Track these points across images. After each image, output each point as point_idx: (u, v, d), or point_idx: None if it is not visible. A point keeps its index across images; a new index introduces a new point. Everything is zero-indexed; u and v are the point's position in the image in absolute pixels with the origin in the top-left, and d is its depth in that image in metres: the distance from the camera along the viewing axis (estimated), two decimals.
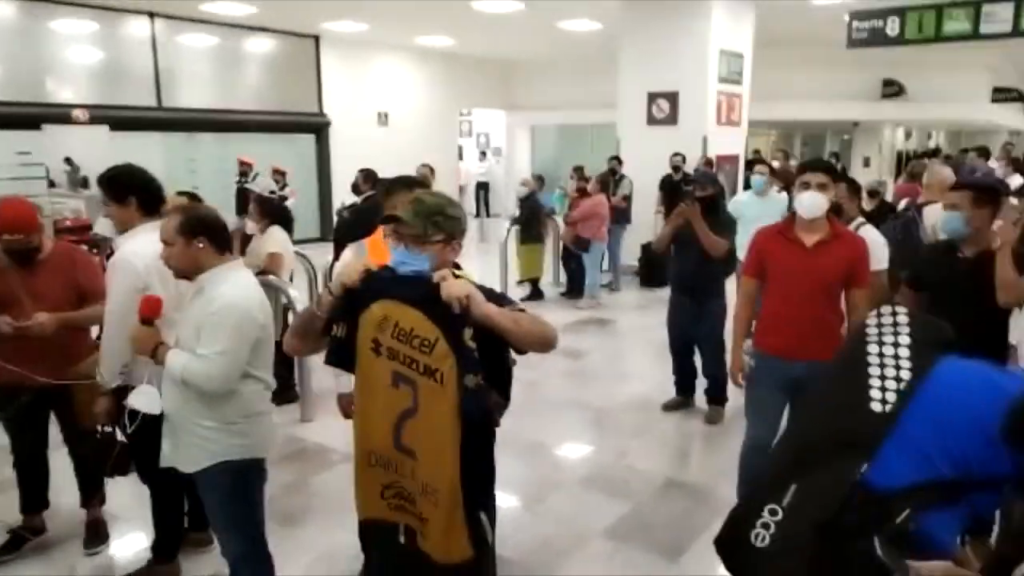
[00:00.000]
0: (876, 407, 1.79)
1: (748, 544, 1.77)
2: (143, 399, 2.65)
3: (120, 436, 2.85)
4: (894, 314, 1.91)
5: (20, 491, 3.41)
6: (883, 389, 1.79)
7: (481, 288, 1.89)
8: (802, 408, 2.02)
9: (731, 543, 1.87)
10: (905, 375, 1.79)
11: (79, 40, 10.67)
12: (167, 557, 3.19)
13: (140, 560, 3.25)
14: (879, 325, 1.91)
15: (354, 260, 3.03)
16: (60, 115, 10.02)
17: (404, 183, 2.88)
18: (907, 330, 1.87)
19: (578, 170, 9.17)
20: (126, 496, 3.56)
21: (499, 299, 1.89)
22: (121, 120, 10.51)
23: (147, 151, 10.61)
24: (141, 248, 2.76)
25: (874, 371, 1.82)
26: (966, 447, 1.68)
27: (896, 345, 1.85)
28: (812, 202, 3.10)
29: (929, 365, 1.81)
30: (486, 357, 1.81)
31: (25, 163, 9.51)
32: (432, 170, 8.26)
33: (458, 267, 2.07)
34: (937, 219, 3.46)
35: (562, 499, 3.99)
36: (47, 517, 3.51)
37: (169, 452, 2.58)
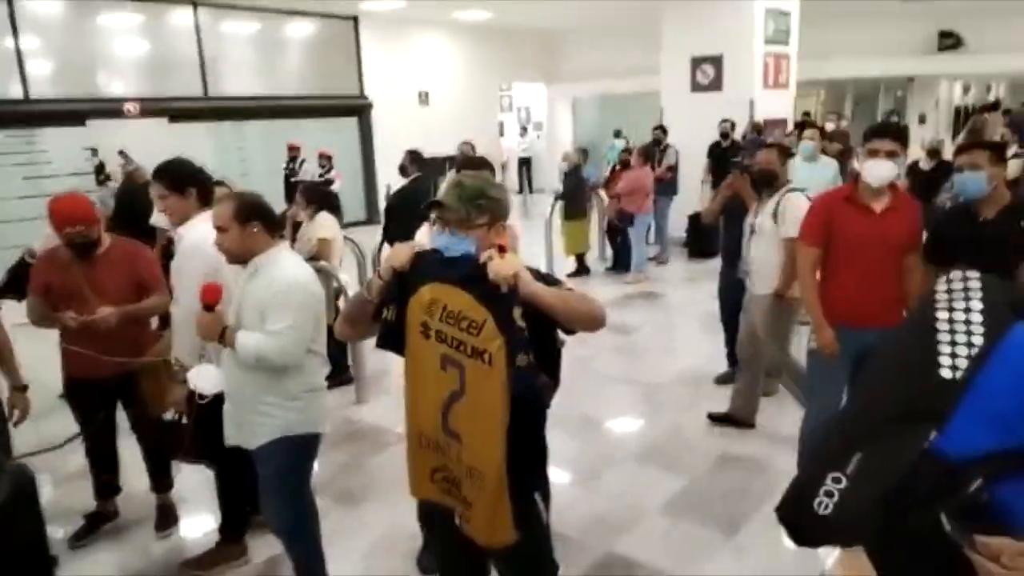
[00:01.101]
0: (946, 373, 1.73)
1: (811, 511, 1.74)
2: (204, 379, 2.75)
3: (186, 421, 2.94)
4: (965, 279, 1.85)
5: (92, 478, 3.57)
6: (954, 355, 1.74)
7: (530, 270, 1.88)
8: (868, 375, 1.97)
9: (794, 510, 1.83)
10: (977, 340, 1.73)
11: (126, 33, 10.88)
12: (234, 537, 3.31)
13: (209, 541, 3.36)
14: (949, 291, 1.85)
15: (401, 244, 3.08)
16: (110, 109, 10.28)
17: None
18: (979, 295, 1.81)
19: (619, 137, 9.00)
20: (194, 480, 3.68)
21: (546, 279, 1.88)
22: (170, 111, 10.75)
23: (197, 141, 10.84)
24: (209, 234, 2.83)
25: (944, 337, 1.76)
26: None
27: (967, 311, 1.79)
28: (880, 170, 3.00)
29: (1004, 328, 1.74)
30: (535, 338, 1.80)
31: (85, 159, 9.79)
32: (473, 147, 8.24)
33: (503, 249, 2.06)
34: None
35: (616, 475, 3.99)
36: (120, 502, 3.66)
37: (233, 432, 2.68)
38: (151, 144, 10.03)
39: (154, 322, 3.68)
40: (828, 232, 3.17)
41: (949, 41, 14.23)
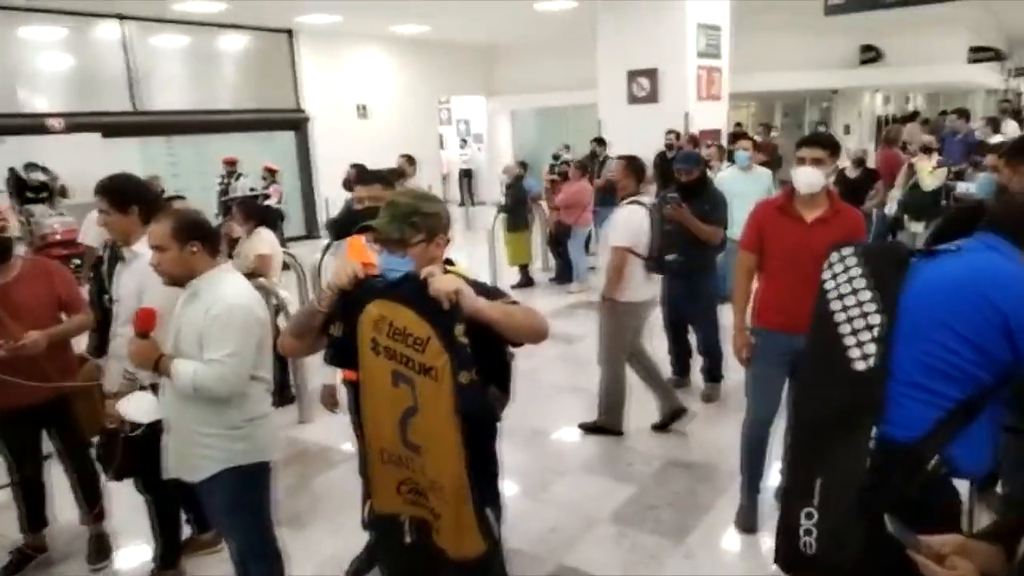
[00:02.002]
0: (860, 366, 1.78)
1: (800, 555, 1.76)
2: (134, 407, 2.62)
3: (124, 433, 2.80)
4: (842, 259, 1.90)
5: (21, 510, 3.38)
6: (860, 344, 1.78)
7: (473, 283, 1.88)
8: (798, 392, 2.02)
9: (791, 559, 1.84)
10: (875, 319, 1.77)
11: (50, 47, 10.49)
12: (170, 565, 3.20)
13: (145, 572, 3.23)
14: (833, 277, 1.89)
15: (343, 262, 3.03)
16: (34, 125, 9.87)
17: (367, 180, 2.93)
18: (859, 271, 1.85)
19: (556, 158, 9.13)
20: (126, 509, 3.53)
21: (491, 292, 1.88)
22: (98, 126, 10.38)
23: (126, 157, 10.49)
24: None
25: (844, 329, 1.81)
26: (976, 328, 1.69)
27: (855, 291, 1.83)
28: (807, 178, 3.08)
29: (896, 292, 1.79)
30: (484, 352, 1.80)
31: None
32: (412, 160, 8.19)
33: (450, 262, 2.05)
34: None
35: (566, 486, 4.00)
36: (50, 535, 3.49)
37: (173, 464, 2.55)
38: (80, 160, 9.69)
39: (82, 343, 3.52)
40: (761, 240, 3.25)
41: (870, 55, 14.89)
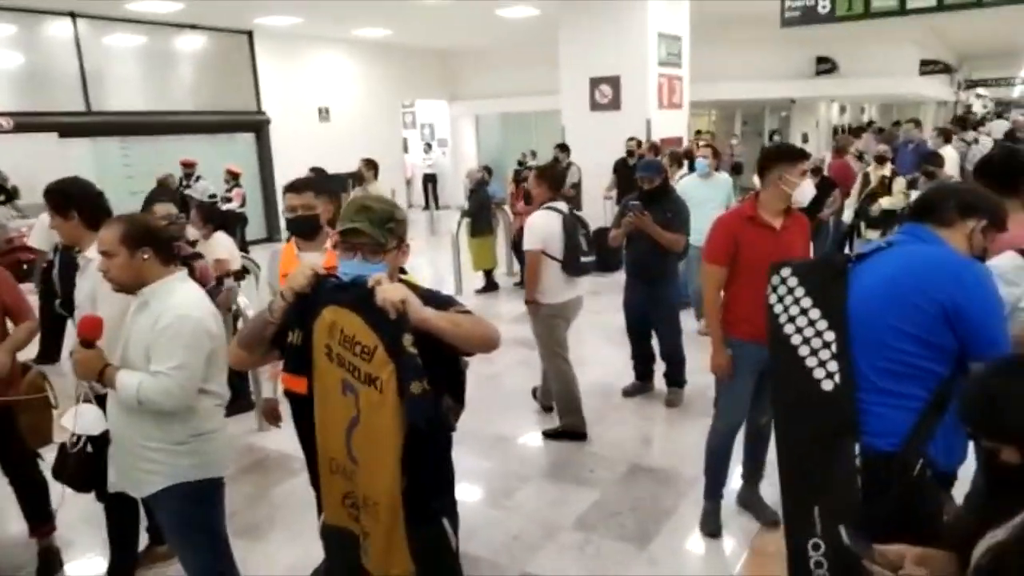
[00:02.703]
0: (827, 386, 1.79)
1: None
2: (79, 419, 2.53)
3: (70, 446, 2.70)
4: (783, 280, 1.91)
5: None
6: (822, 363, 1.79)
7: (424, 290, 1.87)
8: (776, 419, 2.00)
9: None
10: (830, 336, 1.78)
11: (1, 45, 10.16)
12: None
13: None
14: (780, 300, 1.90)
15: (275, 272, 2.98)
16: None
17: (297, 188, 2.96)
18: (802, 290, 1.87)
19: (522, 164, 9.13)
20: (77, 518, 3.42)
21: (442, 301, 1.85)
22: (49, 126, 10.08)
23: (78, 158, 10.21)
24: None
25: (803, 351, 1.81)
26: (919, 322, 1.72)
27: (804, 312, 1.84)
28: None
29: (840, 304, 1.81)
30: (436, 361, 1.76)
31: None
32: (372, 164, 8.12)
33: (403, 271, 2.02)
34: None
35: (529, 492, 3.99)
36: None
37: (117, 478, 2.47)
38: (30, 161, 9.39)
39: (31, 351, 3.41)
40: (733, 252, 3.20)
41: (826, 66, 15.26)
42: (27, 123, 9.89)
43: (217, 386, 2.43)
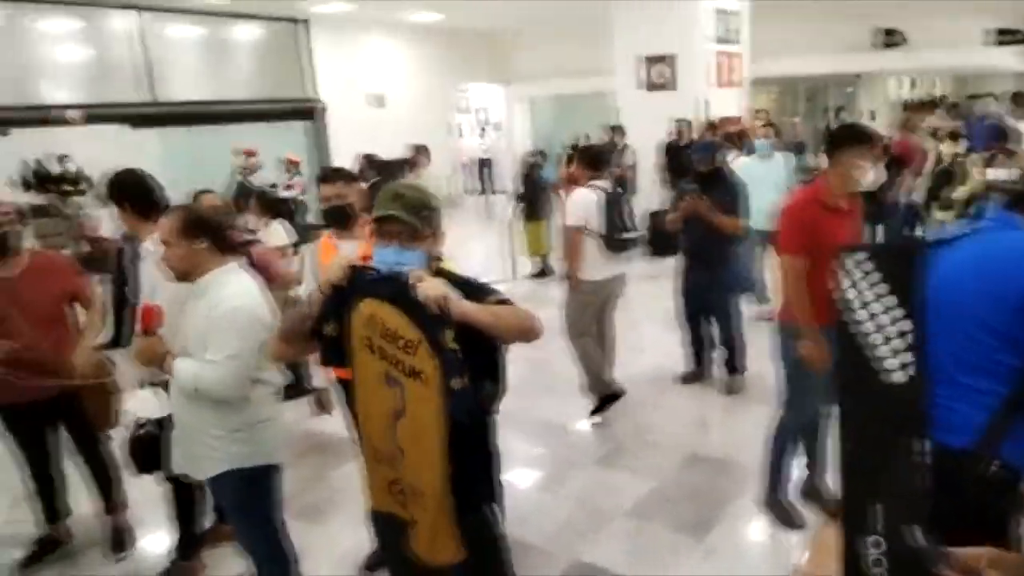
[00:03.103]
0: (899, 377, 1.70)
1: None
2: (140, 404, 2.62)
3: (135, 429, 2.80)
4: (857, 264, 1.81)
5: (39, 502, 3.42)
6: (895, 353, 1.70)
7: (461, 278, 1.87)
8: (841, 415, 1.91)
9: None
10: (906, 325, 1.69)
11: (66, 39, 10.51)
12: (189, 556, 3.21)
13: (164, 562, 3.25)
14: (853, 284, 1.80)
15: (315, 264, 3.01)
16: (50, 117, 9.93)
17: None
18: (878, 275, 1.76)
19: (574, 147, 9.03)
20: (150, 498, 3.54)
21: (480, 290, 1.85)
22: (116, 117, 10.42)
23: (147, 148, 10.52)
24: None
25: (876, 339, 1.72)
26: (1003, 313, 1.63)
27: (879, 298, 1.74)
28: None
29: (919, 291, 1.71)
30: (476, 346, 1.76)
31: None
32: (424, 150, 8.13)
33: (439, 258, 2.01)
34: None
35: (582, 478, 3.97)
36: (75, 524, 3.52)
37: (179, 459, 2.55)
38: (99, 152, 9.72)
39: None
40: (809, 240, 3.04)
41: (892, 38, 14.60)
42: (97, 115, 10.24)
43: (271, 375, 2.49)
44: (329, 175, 3.05)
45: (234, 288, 2.38)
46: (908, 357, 1.71)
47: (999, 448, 1.61)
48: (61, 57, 10.50)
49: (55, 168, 9.35)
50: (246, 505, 2.53)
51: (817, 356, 3.10)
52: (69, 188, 9.15)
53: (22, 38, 10.09)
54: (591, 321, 4.60)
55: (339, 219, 2.97)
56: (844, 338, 1.84)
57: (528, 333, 1.83)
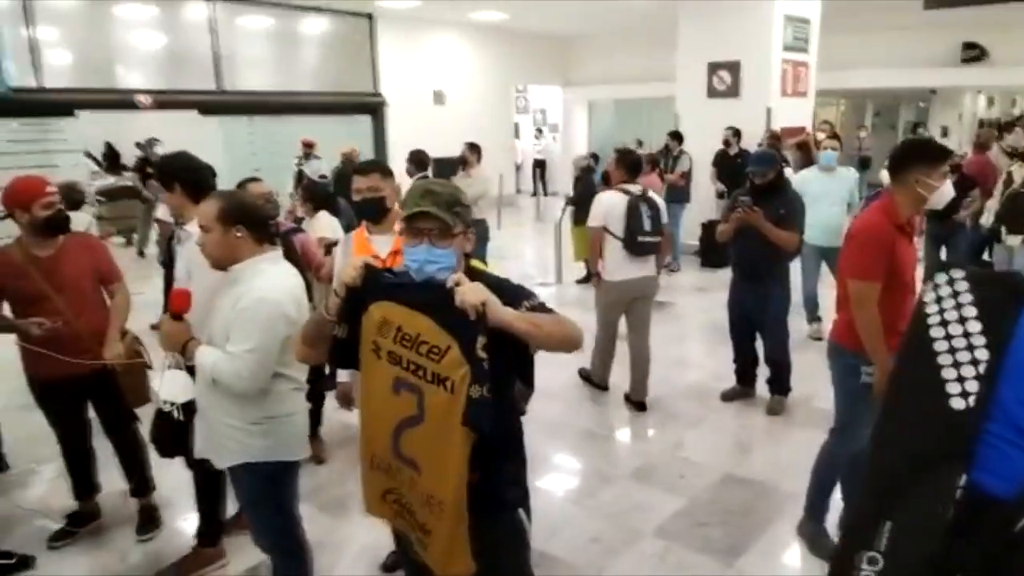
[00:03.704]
0: (958, 404, 1.58)
1: None
2: (166, 385, 2.62)
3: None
4: (951, 282, 1.68)
5: (70, 478, 3.49)
6: (961, 379, 1.58)
7: (494, 278, 1.80)
8: (880, 424, 1.80)
9: None
10: (983, 355, 1.56)
11: (141, 26, 10.83)
12: (211, 542, 3.22)
13: (189, 546, 3.26)
14: (938, 300, 1.68)
15: (348, 258, 2.97)
16: (123, 101, 10.28)
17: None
18: (970, 297, 1.64)
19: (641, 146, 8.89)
20: (179, 481, 3.58)
21: (516, 292, 1.78)
22: (184, 104, 10.71)
23: (210, 135, 10.78)
24: None
25: (945, 359, 1.60)
26: None
27: (963, 320, 1.62)
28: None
29: (1008, 328, 1.58)
30: (506, 347, 1.69)
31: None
32: (475, 148, 8.07)
33: (468, 256, 1.94)
34: None
35: (613, 493, 3.85)
36: (104, 503, 3.58)
37: (201, 445, 2.55)
38: (167, 137, 10.01)
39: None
40: (889, 263, 2.87)
41: (973, 53, 13.96)
42: (166, 100, 10.54)
43: (295, 371, 2.44)
44: (364, 167, 3.01)
45: (265, 280, 2.34)
46: (973, 386, 1.59)
47: None
48: (137, 44, 10.83)
49: (136, 152, 9.68)
50: (260, 499, 2.50)
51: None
52: (151, 171, 9.46)
53: (101, 25, 10.46)
54: (617, 319, 4.89)
55: (371, 212, 2.93)
56: (910, 350, 1.73)
57: (569, 342, 1.76)
